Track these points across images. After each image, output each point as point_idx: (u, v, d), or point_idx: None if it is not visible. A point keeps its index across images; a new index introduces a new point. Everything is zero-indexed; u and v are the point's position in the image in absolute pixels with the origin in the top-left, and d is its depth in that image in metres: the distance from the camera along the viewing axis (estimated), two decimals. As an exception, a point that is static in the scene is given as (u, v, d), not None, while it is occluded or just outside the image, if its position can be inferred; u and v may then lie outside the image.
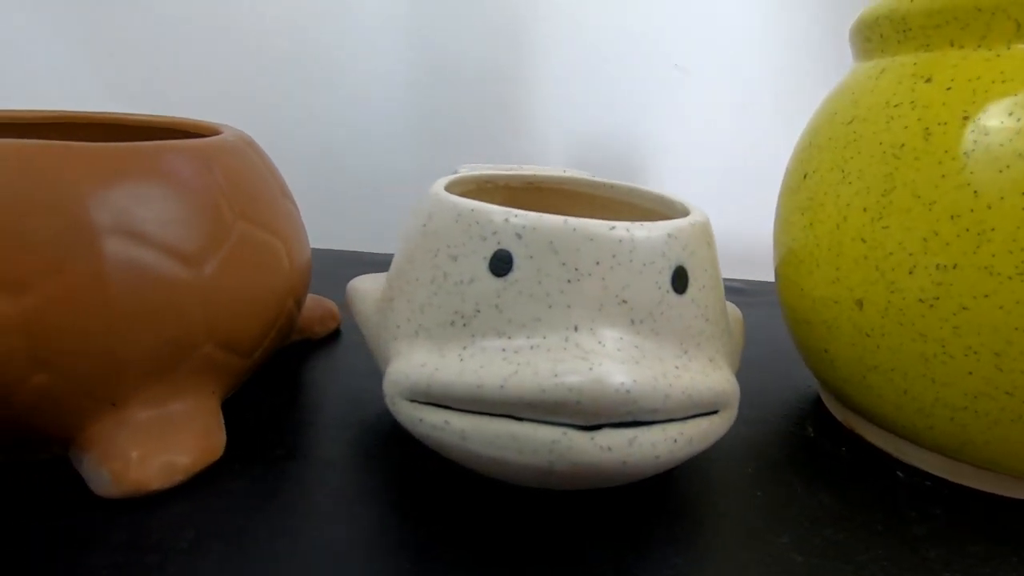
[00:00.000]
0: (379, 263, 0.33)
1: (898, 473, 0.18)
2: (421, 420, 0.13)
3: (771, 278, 0.23)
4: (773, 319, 0.29)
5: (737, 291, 0.35)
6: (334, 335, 0.24)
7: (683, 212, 0.17)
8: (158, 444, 0.14)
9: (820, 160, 0.18)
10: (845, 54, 0.20)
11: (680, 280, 0.13)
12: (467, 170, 0.24)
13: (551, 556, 0.13)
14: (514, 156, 0.43)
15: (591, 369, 0.11)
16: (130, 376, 0.14)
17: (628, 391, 0.11)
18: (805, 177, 0.18)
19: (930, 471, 0.17)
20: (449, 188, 0.18)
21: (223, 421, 0.16)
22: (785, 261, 0.19)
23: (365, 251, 0.37)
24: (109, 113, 0.20)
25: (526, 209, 0.22)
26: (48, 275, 0.12)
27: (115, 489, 0.13)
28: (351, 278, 0.20)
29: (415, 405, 0.13)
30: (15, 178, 0.12)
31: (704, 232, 0.15)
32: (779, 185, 0.21)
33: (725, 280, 0.38)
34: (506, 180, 0.21)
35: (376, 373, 0.21)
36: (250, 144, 0.18)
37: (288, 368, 0.21)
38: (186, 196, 0.14)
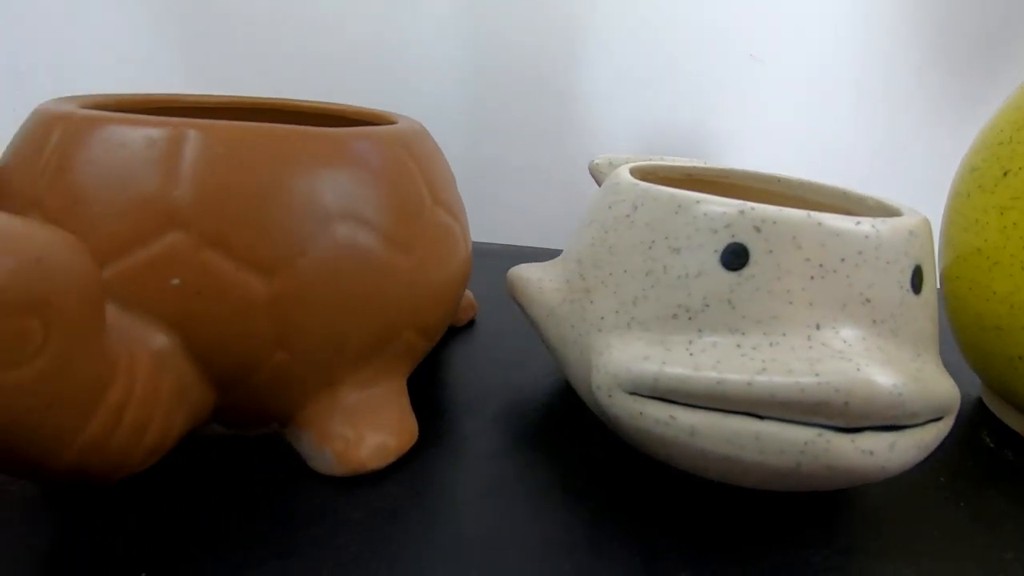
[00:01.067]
0: (481, 252, 0.33)
1: (1100, 490, 0.17)
2: (641, 414, 0.13)
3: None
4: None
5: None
6: (470, 323, 0.24)
7: (879, 209, 0.16)
8: (369, 425, 0.14)
9: (1029, 156, 0.17)
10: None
11: (918, 280, 0.13)
12: (603, 162, 0.24)
13: (752, 555, 0.13)
14: (580, 149, 0.42)
15: (859, 370, 0.11)
16: (348, 358, 0.14)
17: (900, 394, 0.11)
18: (1005, 175, 0.17)
19: None
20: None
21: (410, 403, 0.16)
22: (968, 263, 0.18)
23: None
24: (277, 99, 0.21)
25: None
26: (293, 258, 0.12)
27: (338, 468, 0.14)
28: None
29: (635, 398, 0.13)
30: (265, 161, 0.12)
31: (931, 231, 0.14)
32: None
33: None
34: (666, 172, 0.20)
35: (526, 363, 0.21)
36: (427, 132, 0.18)
37: (439, 354, 0.21)
38: (396, 183, 0.15)
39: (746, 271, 0.12)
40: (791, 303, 0.12)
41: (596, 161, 0.24)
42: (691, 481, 0.15)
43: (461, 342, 0.22)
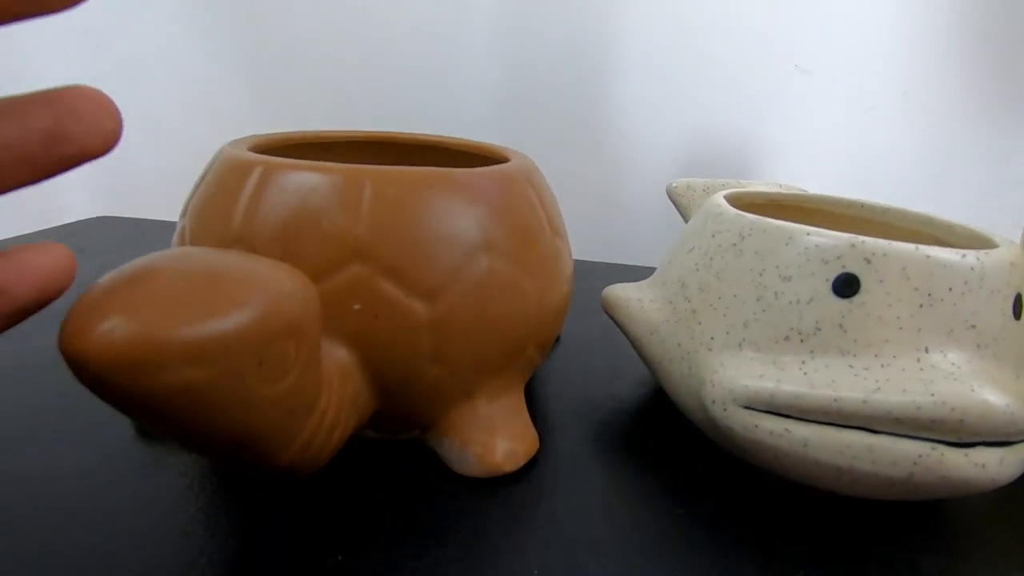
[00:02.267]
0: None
1: None
2: (756, 426, 0.14)
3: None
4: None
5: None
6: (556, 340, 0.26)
7: (966, 235, 0.17)
8: (500, 433, 0.16)
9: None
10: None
11: (1018, 307, 0.14)
12: (682, 186, 0.25)
13: (861, 557, 0.14)
14: (620, 157, 0.42)
15: (973, 391, 0.12)
16: (486, 372, 0.16)
17: (1013, 413, 0.12)
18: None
19: None
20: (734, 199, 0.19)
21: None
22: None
23: None
24: (390, 133, 0.23)
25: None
26: (448, 285, 0.14)
27: (479, 470, 0.15)
28: None
29: (750, 412, 0.14)
30: (427, 201, 0.14)
31: (1026, 259, 0.15)
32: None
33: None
34: (751, 198, 0.22)
35: (617, 376, 0.22)
36: (528, 176, 0.20)
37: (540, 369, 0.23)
38: (523, 215, 0.16)
39: (857, 299, 0.14)
40: (901, 328, 0.13)
41: (674, 185, 0.26)
42: (797, 491, 0.16)
43: (553, 356, 0.24)
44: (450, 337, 0.15)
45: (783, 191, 0.22)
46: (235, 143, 0.17)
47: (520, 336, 0.16)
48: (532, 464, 0.17)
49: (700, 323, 0.17)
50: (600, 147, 0.42)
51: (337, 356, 0.13)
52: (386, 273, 0.14)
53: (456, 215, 0.15)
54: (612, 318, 0.21)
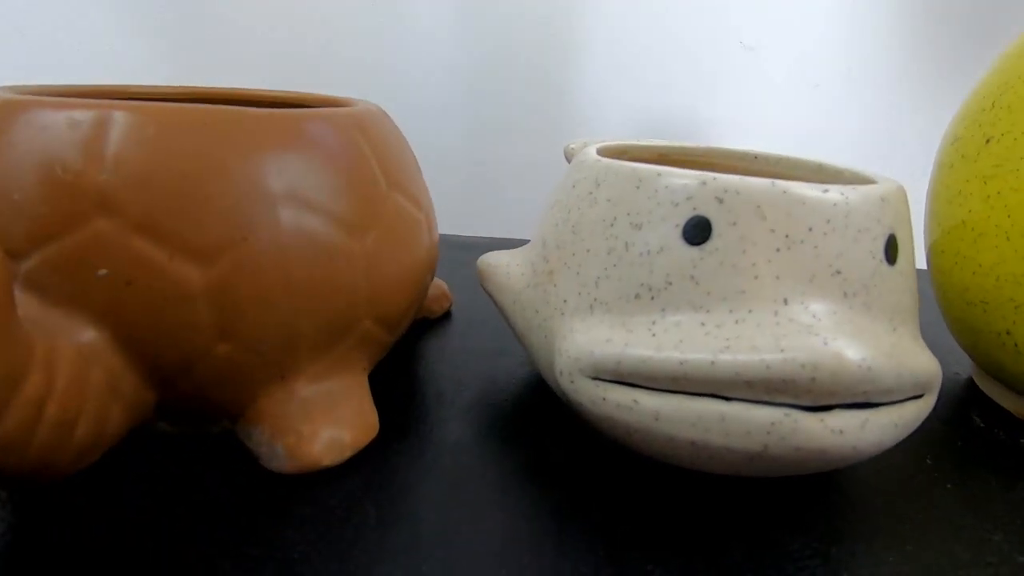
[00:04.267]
0: (459, 244, 0.33)
1: (1094, 468, 0.16)
2: (604, 399, 0.12)
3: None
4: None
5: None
6: (445, 315, 0.24)
7: (856, 179, 0.15)
8: (324, 420, 0.14)
9: (1011, 122, 0.16)
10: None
11: (892, 249, 0.12)
12: (578, 146, 0.23)
13: (724, 544, 0.12)
14: (569, 137, 0.42)
15: (825, 344, 0.10)
16: (301, 349, 0.13)
17: (870, 368, 0.10)
18: (988, 142, 0.16)
19: None
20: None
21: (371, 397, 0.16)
22: (952, 236, 0.18)
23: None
24: (236, 89, 0.20)
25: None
26: (234, 244, 0.12)
27: (289, 464, 0.13)
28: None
29: (598, 383, 0.12)
30: (200, 143, 0.12)
31: (906, 198, 0.13)
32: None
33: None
34: (638, 152, 0.20)
35: (503, 353, 0.20)
36: (386, 115, 0.18)
37: (411, 347, 0.21)
38: (348, 165, 0.14)
39: (709, 245, 0.12)
40: (757, 277, 0.12)
41: (571, 145, 0.23)
42: (662, 470, 0.14)
43: (434, 334, 0.22)
44: (239, 307, 0.12)
45: (676, 145, 0.20)
46: (7, 88, 0.15)
47: (345, 307, 0.14)
48: (367, 455, 0.14)
49: (555, 285, 0.14)
50: (558, 132, 0.41)
51: (75, 334, 0.11)
52: (140, 229, 0.11)
53: (243, 159, 0.12)
54: (485, 290, 0.18)
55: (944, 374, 0.21)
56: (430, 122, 0.41)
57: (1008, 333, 0.16)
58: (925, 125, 0.41)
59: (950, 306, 0.19)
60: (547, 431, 0.16)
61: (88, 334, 0.11)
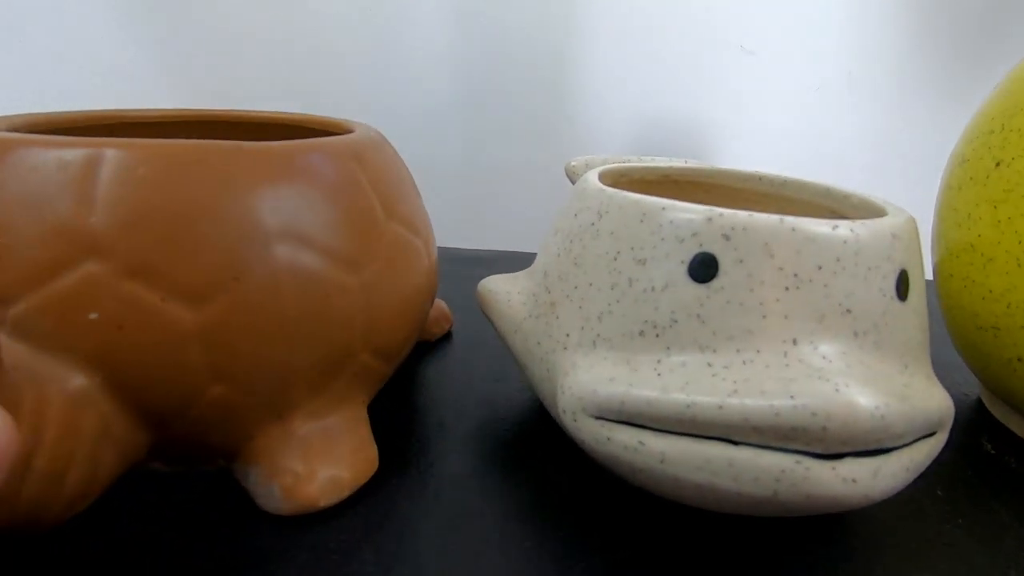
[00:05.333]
0: (460, 259, 0.32)
1: (1109, 499, 0.16)
2: (609, 439, 0.12)
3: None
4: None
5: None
6: (446, 336, 0.23)
7: (863, 207, 0.15)
8: (321, 458, 0.13)
9: (1021, 146, 0.16)
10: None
11: (903, 285, 0.12)
12: (580, 164, 0.23)
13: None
14: (569, 143, 0.42)
15: (837, 391, 0.10)
16: (298, 387, 0.13)
17: (883, 416, 0.10)
18: (998, 165, 0.16)
19: None
20: None
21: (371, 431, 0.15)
22: (960, 260, 0.17)
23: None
24: (229, 111, 0.20)
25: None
26: (227, 284, 0.12)
27: (286, 505, 0.13)
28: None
29: (602, 423, 0.12)
30: (193, 180, 0.12)
31: (917, 231, 0.13)
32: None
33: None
34: (641, 174, 0.19)
35: (502, 379, 0.20)
36: (385, 140, 0.17)
37: (411, 372, 0.20)
38: (345, 198, 0.14)
39: (715, 283, 0.12)
40: (765, 316, 0.11)
41: (572, 163, 0.23)
42: (669, 506, 0.14)
43: (435, 357, 0.21)
44: (233, 348, 0.12)
45: (680, 166, 0.20)
46: (-4, 120, 0.14)
47: (342, 342, 0.14)
48: (366, 493, 0.14)
49: (558, 317, 0.14)
50: (557, 138, 0.41)
51: (66, 381, 0.11)
52: (132, 272, 0.11)
53: (237, 197, 0.12)
54: (485, 315, 0.18)
55: (953, 395, 0.21)
56: (431, 131, 0.41)
57: (1020, 360, 0.16)
58: (926, 127, 0.41)
59: (959, 329, 0.19)
60: (549, 463, 0.16)
61: (79, 380, 0.11)
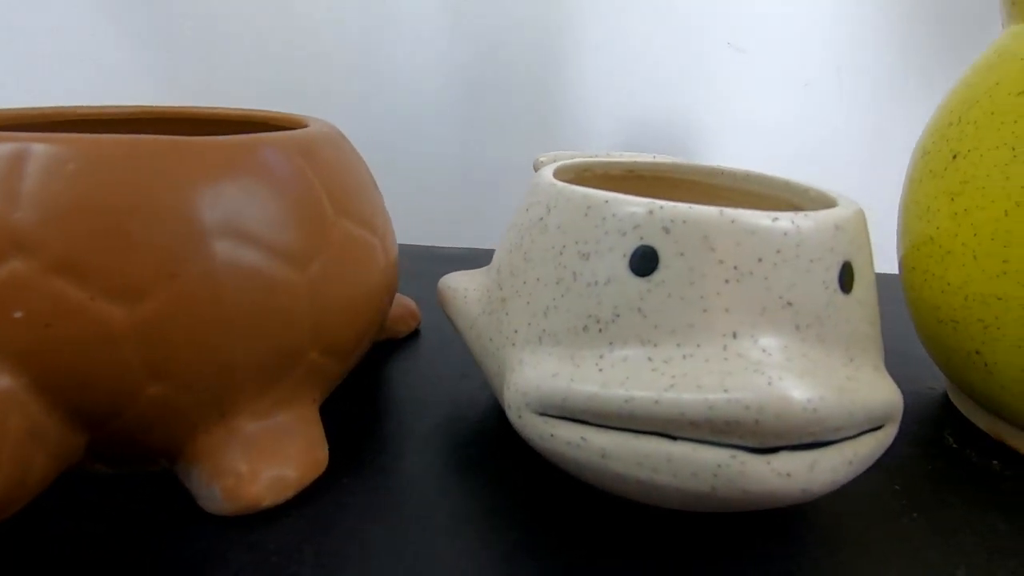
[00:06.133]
0: (440, 257, 0.32)
1: (1067, 491, 0.16)
2: (552, 436, 0.12)
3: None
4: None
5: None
6: (414, 334, 0.23)
7: (821, 199, 0.15)
8: (267, 458, 0.13)
9: (977, 138, 0.15)
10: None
11: (847, 278, 0.12)
12: (548, 159, 0.23)
13: (697, 586, 0.12)
14: (561, 141, 0.42)
15: (770, 384, 0.10)
16: (241, 386, 0.13)
17: (815, 409, 0.10)
18: (955, 158, 0.16)
19: (1107, 490, 0.15)
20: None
21: (323, 430, 0.15)
22: (921, 252, 0.17)
23: (414, 244, 0.36)
24: (186, 107, 0.20)
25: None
26: (162, 281, 0.11)
27: (227, 506, 0.13)
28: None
29: (546, 419, 0.12)
30: (126, 176, 0.11)
31: (865, 223, 0.13)
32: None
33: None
34: (605, 168, 0.19)
35: (466, 376, 0.20)
36: (341, 135, 0.17)
37: (376, 371, 0.20)
38: (290, 193, 0.13)
39: (656, 276, 0.11)
40: (706, 310, 0.11)
41: (541, 159, 0.23)
42: (628, 504, 0.14)
43: (400, 356, 0.21)
44: (171, 346, 0.12)
45: (645, 161, 0.20)
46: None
47: (289, 340, 0.13)
48: (315, 493, 0.14)
49: (508, 313, 0.14)
50: (541, 134, 0.41)
51: (-11, 380, 0.10)
52: (59, 270, 0.11)
53: (173, 193, 0.12)
54: (444, 312, 0.18)
55: (918, 389, 0.21)
56: (421, 128, 0.41)
57: (978, 353, 0.16)
58: (913, 122, 0.41)
59: (922, 322, 0.19)
60: (507, 461, 0.16)
61: (4, 380, 0.11)
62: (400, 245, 0.36)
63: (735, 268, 0.11)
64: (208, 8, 0.38)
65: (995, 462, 0.17)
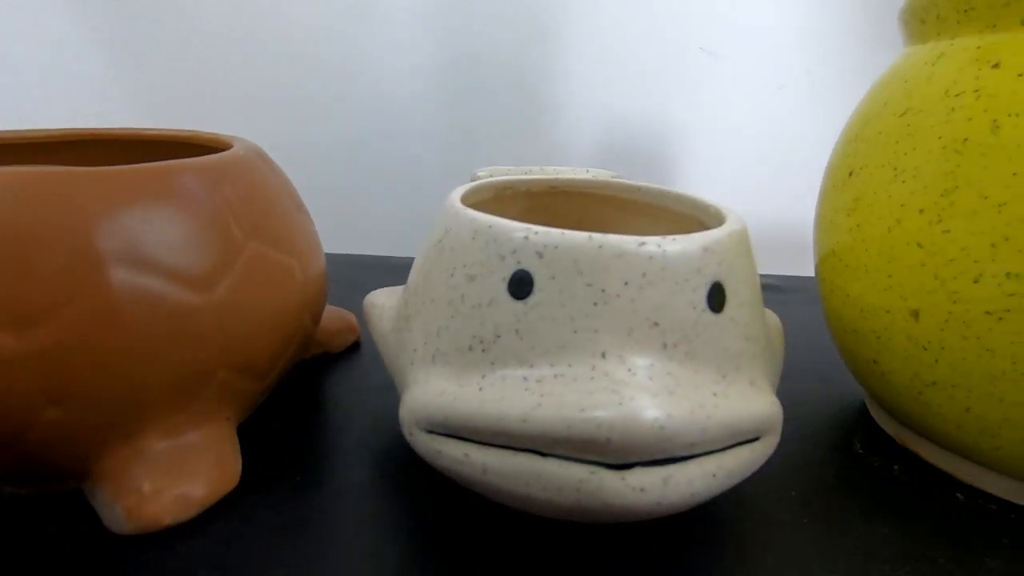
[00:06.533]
0: (405, 268, 0.33)
1: (958, 495, 0.16)
2: (440, 452, 0.12)
3: (810, 272, 0.22)
4: (813, 319, 0.27)
5: (773, 288, 0.33)
6: (353, 348, 0.24)
7: (718, 217, 0.16)
8: (172, 476, 0.14)
9: (868, 156, 0.16)
10: (887, 29, 0.19)
11: (717, 297, 0.12)
12: (486, 174, 0.23)
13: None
14: (539, 147, 0.42)
15: (621, 404, 0.10)
16: (146, 406, 0.13)
17: (662, 427, 0.10)
18: (851, 175, 0.17)
19: (995, 493, 0.16)
20: (466, 197, 0.17)
21: (239, 447, 0.16)
22: (828, 265, 0.18)
23: (391, 255, 0.36)
24: (120, 129, 0.20)
25: (551, 215, 0.21)
26: (57, 308, 0.12)
27: (128, 526, 0.13)
28: (374, 286, 0.19)
29: (433, 436, 0.12)
30: (20, 207, 0.12)
31: (742, 241, 0.14)
32: (817, 174, 0.19)
33: (760, 276, 0.37)
34: (527, 185, 0.20)
35: (391, 387, 0.20)
36: (261, 157, 0.18)
37: (306, 385, 0.21)
38: (194, 218, 0.14)
39: (531, 299, 0.12)
40: (576, 332, 0.12)
41: (479, 173, 0.23)
42: (515, 514, 0.15)
43: (334, 370, 0.22)
44: (67, 371, 0.12)
45: (566, 178, 0.20)
46: None
47: (196, 361, 0.14)
48: (222, 510, 0.14)
49: (411, 331, 0.15)
50: (516, 142, 0.42)
51: None
52: (-53, 301, 0.11)
53: (67, 222, 0.12)
54: (368, 329, 0.18)
55: (841, 395, 0.22)
56: (402, 132, 0.41)
57: (875, 362, 0.17)
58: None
59: (832, 331, 0.19)
60: (421, 477, 0.16)
61: None
62: (360, 256, 0.36)
63: (603, 291, 0.12)
64: (185, 11, 0.38)
65: (896, 467, 0.17)
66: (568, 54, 0.40)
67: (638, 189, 0.19)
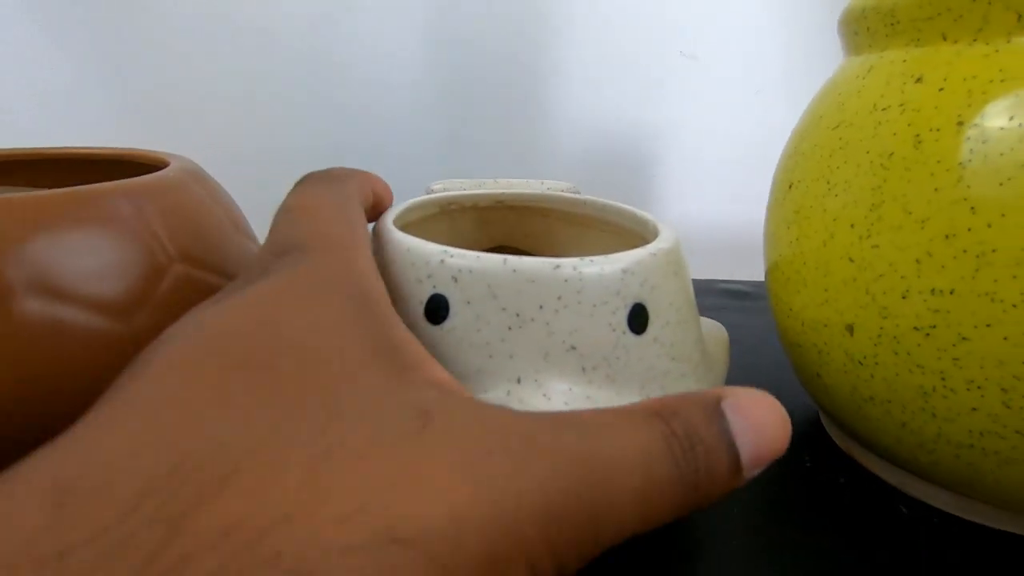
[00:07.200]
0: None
1: (902, 508, 0.16)
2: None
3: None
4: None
5: (740, 295, 0.33)
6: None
7: (655, 232, 0.16)
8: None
9: (805, 169, 0.16)
10: None
11: (639, 319, 0.12)
12: (440, 188, 0.23)
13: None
14: (518, 151, 0.42)
15: (528, 433, 0.10)
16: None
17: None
18: (791, 187, 0.17)
19: (937, 506, 0.16)
20: (409, 213, 0.17)
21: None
22: (772, 277, 0.18)
23: None
24: (54, 148, 0.20)
25: (499, 230, 0.21)
26: (-45, 341, 0.11)
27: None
28: None
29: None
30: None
31: (670, 260, 0.13)
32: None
33: (728, 282, 0.36)
34: (474, 200, 0.20)
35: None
36: (196, 177, 0.17)
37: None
38: (111, 244, 0.14)
39: (447, 324, 0.12)
40: (491, 356, 0.11)
41: (434, 187, 0.23)
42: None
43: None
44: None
45: (513, 192, 0.20)
46: None
47: (102, 390, 0.13)
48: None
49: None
50: (512, 143, 0.42)
51: None
52: None
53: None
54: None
55: (795, 406, 0.21)
56: (398, 135, 0.41)
57: (819, 376, 0.17)
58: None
59: (781, 344, 0.19)
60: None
61: None
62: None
63: (517, 315, 0.11)
64: (156, 12, 0.38)
65: (842, 479, 0.17)
66: (550, 59, 0.40)
67: (584, 203, 0.19)
